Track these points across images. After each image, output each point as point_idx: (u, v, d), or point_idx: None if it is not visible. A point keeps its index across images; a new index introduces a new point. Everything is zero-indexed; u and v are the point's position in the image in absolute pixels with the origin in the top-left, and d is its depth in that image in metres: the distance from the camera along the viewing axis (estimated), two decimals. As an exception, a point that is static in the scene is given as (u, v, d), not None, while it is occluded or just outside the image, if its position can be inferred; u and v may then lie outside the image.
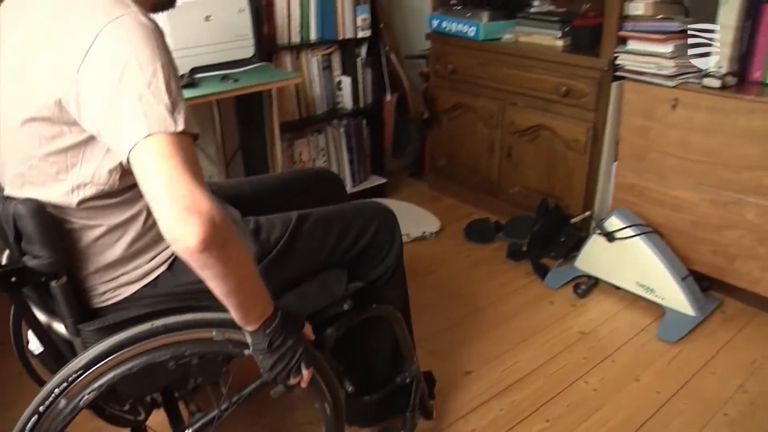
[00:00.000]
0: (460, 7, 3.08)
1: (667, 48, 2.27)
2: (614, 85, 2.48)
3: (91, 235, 1.13)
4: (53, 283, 1.10)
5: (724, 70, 2.21)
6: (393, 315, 1.53)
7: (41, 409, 1.07)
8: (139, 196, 1.11)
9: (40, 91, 1.02)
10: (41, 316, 1.20)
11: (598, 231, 2.40)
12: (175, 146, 0.94)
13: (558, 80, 2.63)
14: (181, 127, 0.95)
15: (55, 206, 1.09)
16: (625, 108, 2.47)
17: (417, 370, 1.64)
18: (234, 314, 1.07)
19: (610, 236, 2.36)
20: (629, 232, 2.33)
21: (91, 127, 1.00)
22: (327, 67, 3.03)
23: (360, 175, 3.29)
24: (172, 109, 0.95)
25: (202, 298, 1.15)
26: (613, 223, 2.37)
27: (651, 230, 2.38)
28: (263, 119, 2.75)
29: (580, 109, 2.59)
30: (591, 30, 2.58)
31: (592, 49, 2.56)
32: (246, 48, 2.60)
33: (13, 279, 1.07)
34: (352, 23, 2.98)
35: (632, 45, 2.39)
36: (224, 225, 0.92)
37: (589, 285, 2.47)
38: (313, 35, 2.91)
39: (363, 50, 3.12)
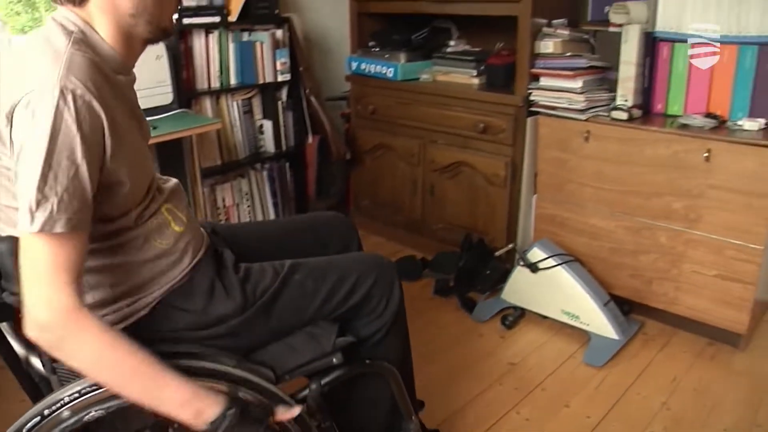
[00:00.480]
0: (378, 48, 3.12)
1: (577, 83, 2.38)
2: (529, 120, 2.57)
3: None
4: None
5: (630, 103, 2.32)
6: (388, 371, 1.45)
7: (46, 412, 1.07)
8: (119, 245, 1.13)
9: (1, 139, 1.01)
10: (19, 350, 1.18)
11: (522, 262, 2.45)
12: (32, 248, 0.95)
13: (475, 117, 2.70)
14: (36, 228, 0.93)
15: None
16: (541, 142, 2.55)
17: (417, 428, 1.56)
18: None
19: (533, 267, 2.41)
20: (551, 261, 2.39)
21: None
22: (248, 111, 3.02)
23: (285, 218, 3.26)
24: (35, 207, 0.93)
25: (182, 345, 1.16)
26: (536, 254, 2.43)
27: (572, 259, 2.45)
28: (184, 165, 2.71)
29: (498, 145, 2.66)
30: (505, 68, 2.67)
31: (506, 86, 2.65)
32: (165, 95, 2.57)
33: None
34: (272, 67, 2.98)
35: (544, 81, 2.49)
36: (60, 330, 0.95)
37: (516, 316, 2.51)
38: (233, 80, 2.90)
39: (284, 93, 3.12)
